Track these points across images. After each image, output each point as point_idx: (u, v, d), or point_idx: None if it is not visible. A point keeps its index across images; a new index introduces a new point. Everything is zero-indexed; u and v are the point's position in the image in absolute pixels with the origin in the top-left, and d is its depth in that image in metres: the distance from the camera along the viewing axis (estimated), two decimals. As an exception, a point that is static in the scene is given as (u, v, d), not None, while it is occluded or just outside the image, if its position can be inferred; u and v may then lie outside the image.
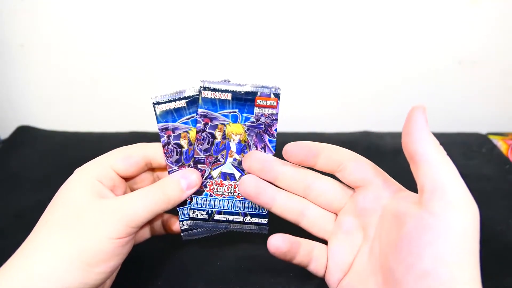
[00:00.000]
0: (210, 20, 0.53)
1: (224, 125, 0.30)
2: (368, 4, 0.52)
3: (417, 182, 0.23)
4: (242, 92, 0.29)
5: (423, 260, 0.21)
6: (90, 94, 0.58)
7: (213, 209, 0.30)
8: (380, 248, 0.25)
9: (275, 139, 0.30)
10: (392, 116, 0.57)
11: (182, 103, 0.30)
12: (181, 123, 0.30)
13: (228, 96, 0.29)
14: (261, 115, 0.30)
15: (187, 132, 0.30)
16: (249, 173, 0.30)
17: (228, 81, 0.30)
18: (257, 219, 0.31)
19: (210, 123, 0.30)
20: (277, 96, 0.29)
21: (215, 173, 0.30)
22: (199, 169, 0.30)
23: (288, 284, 0.34)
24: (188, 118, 0.30)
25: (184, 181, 0.29)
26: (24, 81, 0.57)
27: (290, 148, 0.28)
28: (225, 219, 0.31)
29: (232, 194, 0.30)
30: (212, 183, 0.30)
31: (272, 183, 0.29)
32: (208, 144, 0.30)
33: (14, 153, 0.53)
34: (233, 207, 0.30)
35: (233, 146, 0.30)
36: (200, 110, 0.30)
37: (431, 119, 0.24)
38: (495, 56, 0.56)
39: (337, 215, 0.30)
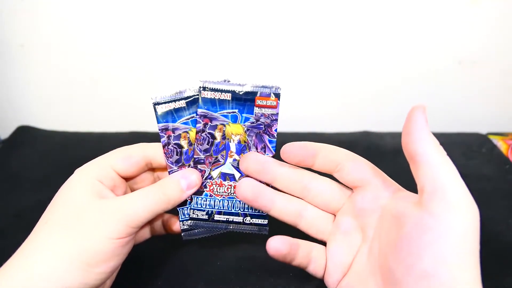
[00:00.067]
0: (210, 20, 0.53)
1: (224, 125, 0.30)
2: (368, 4, 0.52)
3: (417, 182, 0.23)
4: (242, 92, 0.29)
5: (423, 260, 0.21)
6: (90, 94, 0.58)
7: (213, 210, 0.30)
8: (380, 248, 0.25)
9: (275, 140, 0.30)
10: (392, 116, 0.57)
11: (182, 103, 0.30)
12: (181, 123, 0.30)
13: (228, 96, 0.29)
14: (261, 115, 0.30)
15: (187, 132, 0.30)
16: (247, 175, 0.29)
17: (228, 81, 0.30)
18: (257, 219, 0.31)
19: (209, 123, 0.30)
20: (277, 96, 0.29)
21: (215, 173, 0.30)
22: (199, 169, 0.30)
23: (288, 285, 0.34)
24: (188, 118, 0.30)
25: (184, 181, 0.29)
26: (24, 81, 0.57)
27: (288, 149, 0.28)
28: (225, 219, 0.31)
29: (232, 194, 0.30)
30: (212, 184, 0.30)
31: (269, 185, 0.29)
32: (207, 144, 0.30)
33: (14, 153, 0.53)
34: (233, 208, 0.30)
35: (232, 147, 0.30)
36: (199, 110, 0.30)
37: (431, 119, 0.24)
38: (495, 56, 0.56)
39: (335, 216, 0.29)
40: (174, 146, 0.30)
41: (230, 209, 0.30)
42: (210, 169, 0.30)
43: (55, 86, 0.58)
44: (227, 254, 0.37)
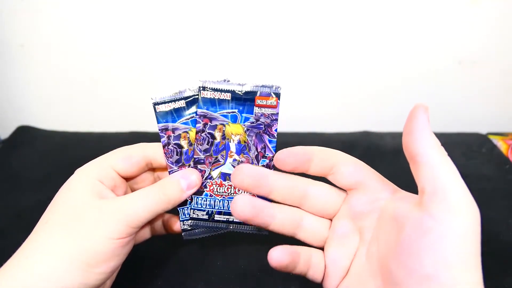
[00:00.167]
0: (210, 20, 0.53)
1: (224, 125, 0.30)
2: (368, 4, 0.52)
3: (417, 183, 0.23)
4: (242, 91, 0.29)
5: (424, 264, 0.21)
6: (90, 94, 0.58)
7: (213, 210, 0.30)
8: (378, 250, 0.25)
9: (275, 140, 0.30)
10: (392, 116, 0.57)
11: (182, 103, 0.30)
12: (181, 123, 0.30)
13: (228, 96, 0.29)
14: (261, 115, 0.30)
15: (187, 132, 0.30)
16: (239, 186, 0.28)
17: (228, 81, 0.30)
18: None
19: (209, 123, 0.30)
20: (278, 95, 0.29)
21: (215, 173, 0.30)
22: (199, 169, 0.30)
23: (288, 285, 0.34)
24: (188, 118, 0.30)
25: (184, 181, 0.29)
26: (24, 81, 0.57)
27: (281, 157, 0.27)
28: (225, 219, 0.31)
29: (232, 194, 0.30)
30: (212, 184, 0.30)
31: (266, 197, 0.28)
32: (207, 144, 0.30)
33: (14, 153, 0.53)
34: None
35: (232, 147, 0.30)
36: (199, 110, 0.30)
37: (431, 119, 0.24)
38: (495, 56, 0.56)
39: (331, 220, 0.29)
40: (174, 146, 0.30)
41: (230, 209, 0.30)
42: (210, 169, 0.30)
43: (55, 86, 0.58)
44: (227, 254, 0.37)
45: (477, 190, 0.23)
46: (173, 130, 0.30)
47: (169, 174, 0.30)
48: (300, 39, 0.54)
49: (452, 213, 0.21)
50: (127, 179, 0.31)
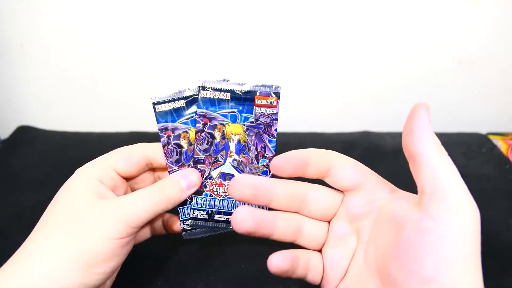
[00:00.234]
0: (209, 20, 0.53)
1: (223, 125, 0.30)
2: (368, 4, 0.52)
3: (417, 183, 0.23)
4: (241, 91, 0.29)
5: (424, 264, 0.21)
6: (90, 94, 0.58)
7: (213, 209, 0.30)
8: (376, 251, 0.25)
9: (275, 139, 0.30)
10: (392, 116, 0.57)
11: (182, 103, 0.30)
12: (181, 123, 0.30)
13: (227, 96, 0.29)
14: (261, 115, 0.30)
15: (186, 132, 0.30)
16: (238, 198, 0.27)
17: (227, 81, 0.30)
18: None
19: (209, 123, 0.30)
20: (277, 95, 0.29)
21: (214, 173, 0.30)
22: (199, 169, 0.30)
23: (288, 285, 0.34)
24: (188, 118, 0.30)
25: (184, 181, 0.29)
26: (24, 81, 0.57)
27: (278, 163, 0.27)
28: (225, 219, 0.31)
29: None
30: (212, 184, 0.30)
31: (265, 205, 0.28)
32: (207, 144, 0.30)
33: (14, 153, 0.53)
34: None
35: (232, 146, 0.30)
36: (199, 110, 0.30)
37: (431, 119, 0.23)
38: (495, 56, 0.56)
39: (329, 222, 0.29)
40: (174, 146, 0.30)
41: (230, 209, 0.30)
42: (210, 169, 0.30)
43: (55, 86, 0.58)
44: (227, 254, 0.37)
45: (477, 190, 0.23)
46: (173, 130, 0.30)
47: (169, 174, 0.30)
48: (300, 39, 0.54)
49: (452, 213, 0.21)
50: (127, 179, 0.31)
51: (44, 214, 0.27)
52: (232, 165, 0.30)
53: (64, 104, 0.59)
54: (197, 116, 0.30)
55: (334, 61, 0.56)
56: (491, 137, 0.57)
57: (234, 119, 0.30)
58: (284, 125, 0.44)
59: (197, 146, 0.30)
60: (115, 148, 0.30)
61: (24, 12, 0.52)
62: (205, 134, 0.30)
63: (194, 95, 0.30)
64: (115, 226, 0.26)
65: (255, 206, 0.29)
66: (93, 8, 0.52)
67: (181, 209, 0.31)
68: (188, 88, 0.30)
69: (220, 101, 0.29)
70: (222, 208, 0.30)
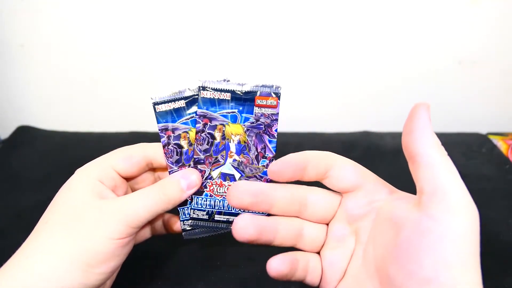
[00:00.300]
0: (210, 20, 0.53)
1: (223, 125, 0.30)
2: (368, 4, 0.52)
3: (416, 183, 0.23)
4: (242, 91, 0.29)
5: (423, 265, 0.21)
6: (90, 94, 0.58)
7: (213, 210, 0.30)
8: (375, 251, 0.25)
9: (276, 140, 0.30)
10: (392, 116, 0.57)
11: (182, 103, 0.30)
12: (181, 123, 0.30)
13: (227, 96, 0.29)
14: (261, 115, 0.30)
15: (187, 132, 0.30)
16: (237, 206, 0.27)
17: (228, 81, 0.30)
18: (257, 219, 0.31)
19: (209, 123, 0.30)
20: (278, 95, 0.29)
21: (215, 173, 0.30)
22: (199, 169, 0.30)
23: (288, 284, 0.34)
24: (188, 119, 0.30)
25: (184, 181, 0.29)
26: (24, 81, 0.57)
27: (276, 168, 0.27)
28: (225, 219, 0.31)
29: None
30: (212, 184, 0.30)
31: (265, 212, 0.28)
32: (207, 144, 0.30)
33: (14, 153, 0.53)
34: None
35: (232, 147, 0.30)
36: (199, 110, 0.30)
37: (431, 119, 0.23)
38: (495, 56, 0.56)
39: (328, 224, 0.29)
40: (174, 146, 0.30)
41: (230, 209, 0.30)
42: (210, 169, 0.30)
43: (55, 86, 0.58)
44: (227, 254, 0.37)
45: (477, 190, 0.23)
46: (173, 130, 0.30)
47: (169, 174, 0.30)
48: (300, 39, 0.54)
49: (452, 214, 0.21)
50: (128, 179, 0.31)
51: (44, 214, 0.27)
52: (232, 165, 0.30)
53: (64, 104, 0.59)
54: (197, 116, 0.30)
55: (334, 61, 0.56)
56: (491, 137, 0.57)
57: (234, 120, 0.30)
58: (284, 125, 0.44)
59: (197, 146, 0.30)
60: (115, 148, 0.30)
61: (24, 12, 0.52)
62: (205, 134, 0.30)
63: (194, 95, 0.30)
64: (115, 226, 0.26)
65: (254, 212, 0.29)
66: (93, 8, 0.52)
67: (181, 209, 0.31)
68: (188, 88, 0.30)
69: (221, 101, 0.29)
70: (222, 208, 0.30)
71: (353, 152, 0.53)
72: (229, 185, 0.30)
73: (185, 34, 0.53)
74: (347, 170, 0.27)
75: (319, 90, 0.58)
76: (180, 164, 0.30)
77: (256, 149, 0.30)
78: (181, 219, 0.31)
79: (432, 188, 0.22)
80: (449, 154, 0.23)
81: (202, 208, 0.30)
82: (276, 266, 0.26)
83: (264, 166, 0.30)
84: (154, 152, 0.30)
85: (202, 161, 0.30)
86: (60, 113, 0.60)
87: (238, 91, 0.29)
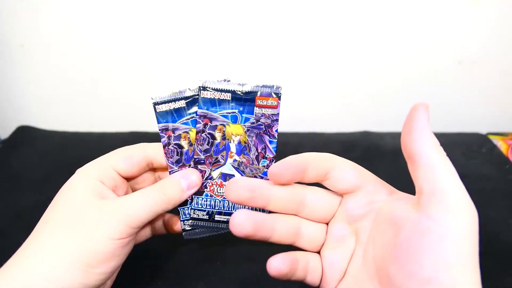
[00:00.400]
0: (210, 20, 0.53)
1: (224, 125, 0.30)
2: (368, 4, 0.52)
3: (415, 183, 0.23)
4: (242, 91, 0.29)
5: (423, 265, 0.21)
6: (90, 94, 0.58)
7: (213, 210, 0.30)
8: (375, 251, 0.25)
9: (276, 140, 0.30)
10: (392, 116, 0.57)
11: (182, 103, 0.30)
12: (181, 124, 0.30)
13: (228, 96, 0.29)
14: (261, 116, 0.30)
15: (187, 132, 0.30)
16: (234, 200, 0.27)
17: (228, 81, 0.30)
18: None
19: (209, 123, 0.30)
20: (278, 95, 0.29)
21: (215, 174, 0.30)
22: (199, 169, 0.30)
23: (288, 284, 0.34)
24: (188, 119, 0.30)
25: (185, 181, 0.29)
26: (24, 81, 0.57)
27: (276, 171, 0.27)
28: (225, 219, 0.31)
29: None
30: (212, 184, 0.30)
31: (263, 208, 0.28)
32: (207, 144, 0.30)
33: (14, 153, 0.53)
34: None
35: (233, 147, 0.30)
36: (199, 111, 0.30)
37: (431, 119, 0.23)
38: (495, 56, 0.56)
39: (327, 224, 0.29)
40: (175, 146, 0.30)
41: (230, 209, 0.30)
42: (211, 170, 0.30)
43: (55, 86, 0.58)
44: (227, 254, 0.37)
45: (477, 190, 0.23)
46: (173, 130, 0.30)
47: (170, 174, 0.30)
48: (300, 39, 0.54)
49: (451, 214, 0.21)
50: (128, 179, 0.31)
51: (44, 214, 0.27)
52: (232, 165, 0.30)
53: (64, 104, 0.59)
54: (197, 116, 0.30)
55: (334, 61, 0.56)
56: (491, 137, 0.57)
57: (234, 120, 0.30)
58: (284, 125, 0.44)
59: (197, 146, 0.30)
60: (115, 148, 0.30)
61: (24, 12, 0.52)
62: (205, 134, 0.30)
63: (194, 95, 0.30)
64: (115, 226, 0.26)
65: (253, 209, 0.29)
66: (93, 8, 0.52)
67: (181, 209, 0.31)
68: (189, 88, 0.30)
69: (221, 101, 0.29)
70: (222, 208, 0.30)
71: (353, 152, 0.53)
72: (226, 187, 0.30)
73: (185, 34, 0.53)
74: (347, 172, 0.27)
75: (319, 90, 0.58)
76: (181, 164, 0.30)
77: (257, 149, 0.30)
78: (181, 219, 0.31)
79: (431, 189, 0.22)
80: (449, 154, 0.23)
81: (202, 208, 0.30)
82: (277, 265, 0.26)
83: (264, 166, 0.30)
84: (154, 152, 0.30)
85: (203, 161, 0.30)
86: (60, 113, 0.60)
87: (239, 91, 0.29)
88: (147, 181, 0.32)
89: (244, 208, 0.29)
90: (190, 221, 0.31)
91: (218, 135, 0.30)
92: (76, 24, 0.53)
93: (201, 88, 0.29)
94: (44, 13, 0.52)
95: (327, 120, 0.60)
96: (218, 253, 0.37)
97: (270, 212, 0.28)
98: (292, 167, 0.26)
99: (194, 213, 0.30)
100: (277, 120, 0.30)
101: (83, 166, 0.29)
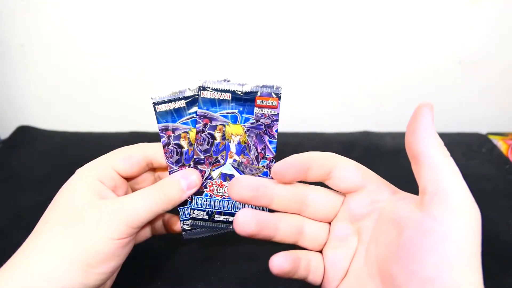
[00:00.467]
0: (210, 20, 0.53)
1: (224, 125, 0.30)
2: (368, 4, 0.52)
3: (419, 183, 0.23)
4: (242, 91, 0.29)
5: (425, 265, 0.21)
6: (90, 94, 0.58)
7: (213, 210, 0.30)
8: (377, 251, 0.25)
9: (276, 140, 0.30)
10: (392, 116, 0.57)
11: (182, 103, 0.30)
12: (181, 124, 0.30)
13: (228, 96, 0.29)
14: (261, 116, 0.30)
15: (187, 132, 0.30)
16: (238, 199, 0.27)
17: (228, 81, 0.30)
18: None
19: (209, 123, 0.30)
20: (278, 96, 0.29)
21: (215, 174, 0.30)
22: (199, 169, 0.30)
23: (288, 285, 0.34)
24: (188, 119, 0.30)
25: (184, 181, 0.29)
26: (24, 81, 0.57)
27: (279, 169, 0.27)
28: (225, 219, 0.31)
29: None
30: (212, 184, 0.30)
31: (266, 207, 0.28)
32: (207, 144, 0.30)
33: (14, 153, 0.53)
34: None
35: (233, 147, 0.30)
36: (199, 111, 0.30)
37: (432, 119, 0.23)
38: (495, 56, 0.56)
39: (330, 223, 0.29)
40: (174, 146, 0.30)
41: (230, 209, 0.30)
42: (210, 170, 0.30)
43: (55, 86, 0.58)
44: (227, 254, 0.37)
45: (477, 190, 0.23)
46: (173, 130, 0.30)
47: (169, 174, 0.30)
48: (300, 39, 0.54)
49: (454, 214, 0.21)
50: (128, 179, 0.31)
51: (44, 214, 0.27)
52: (232, 165, 0.30)
53: (64, 104, 0.59)
54: (197, 116, 0.30)
55: (334, 61, 0.56)
56: (491, 137, 0.57)
57: (234, 120, 0.30)
58: (284, 125, 0.44)
59: (197, 146, 0.30)
60: (115, 148, 0.30)
61: (24, 12, 0.52)
62: (205, 134, 0.30)
63: (194, 95, 0.30)
64: (115, 227, 0.26)
65: (255, 208, 0.29)
66: (93, 8, 0.52)
67: (181, 209, 0.31)
68: (189, 88, 0.30)
69: (221, 101, 0.29)
70: (222, 208, 0.30)
71: (353, 152, 0.53)
72: (229, 186, 0.30)
73: (185, 34, 0.53)
74: (350, 171, 0.27)
75: (319, 90, 0.58)
76: (180, 164, 0.30)
77: (256, 149, 0.30)
78: (181, 219, 0.31)
79: (434, 189, 0.22)
80: (449, 155, 0.23)
81: (202, 208, 0.30)
82: (279, 263, 0.26)
83: (264, 166, 0.30)
84: (154, 152, 0.30)
85: (202, 161, 0.30)
86: (60, 113, 0.60)
87: (239, 91, 0.29)
88: (147, 181, 0.32)
89: (248, 207, 0.29)
90: (190, 221, 0.31)
91: (218, 135, 0.30)
92: (76, 24, 0.53)
93: (201, 88, 0.29)
94: (44, 13, 0.52)
95: (327, 120, 0.60)
96: (218, 253, 0.37)
97: (271, 211, 0.28)
98: (296, 166, 0.27)
99: (193, 213, 0.30)
100: (277, 120, 0.30)
101: (83, 166, 0.29)
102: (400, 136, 0.54)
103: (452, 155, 0.23)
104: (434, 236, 0.21)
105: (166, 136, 0.30)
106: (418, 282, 0.21)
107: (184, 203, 0.30)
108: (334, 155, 0.28)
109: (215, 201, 0.30)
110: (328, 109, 0.60)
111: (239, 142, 0.30)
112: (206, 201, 0.30)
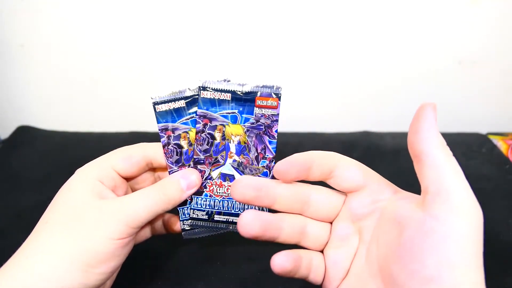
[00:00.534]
0: (210, 20, 0.53)
1: (224, 125, 0.30)
2: (368, 4, 0.52)
3: (421, 182, 0.23)
4: (242, 92, 0.29)
5: (426, 265, 0.21)
6: (90, 94, 0.58)
7: (213, 210, 0.30)
8: (378, 250, 0.25)
9: (276, 140, 0.30)
10: (392, 116, 0.57)
11: (182, 103, 0.30)
12: (181, 124, 0.30)
13: (228, 96, 0.29)
14: (261, 116, 0.30)
15: (187, 132, 0.30)
16: (240, 199, 0.27)
17: (228, 81, 0.30)
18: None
19: (209, 123, 0.30)
20: (278, 96, 0.29)
21: (214, 174, 0.30)
22: (199, 169, 0.30)
23: (288, 285, 0.34)
24: (188, 119, 0.30)
25: (184, 181, 0.29)
26: (24, 81, 0.57)
27: (281, 168, 0.27)
28: (225, 219, 0.31)
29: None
30: (211, 184, 0.30)
31: (268, 208, 0.28)
32: (207, 145, 0.30)
33: (14, 153, 0.53)
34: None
35: (232, 147, 0.30)
36: (199, 111, 0.30)
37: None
38: (495, 56, 0.56)
39: (331, 223, 0.29)
40: (174, 146, 0.30)
41: (229, 209, 0.30)
42: (210, 170, 0.30)
43: (55, 86, 0.58)
44: (227, 254, 0.37)
45: (477, 190, 0.23)
46: (173, 130, 0.30)
47: (169, 174, 0.30)
48: (300, 39, 0.54)
49: (455, 214, 0.21)
50: (128, 179, 0.31)
51: (44, 214, 0.27)
52: (232, 166, 0.30)
53: (64, 104, 0.59)
54: (197, 116, 0.30)
55: (334, 61, 0.56)
56: (491, 137, 0.57)
57: (234, 120, 0.30)
58: (284, 125, 0.44)
59: (197, 146, 0.30)
60: (115, 148, 0.30)
61: (24, 12, 0.52)
62: (205, 134, 0.30)
63: (194, 95, 0.30)
64: (115, 227, 0.26)
65: (256, 208, 0.29)
66: (93, 8, 0.52)
67: (181, 209, 0.31)
68: (189, 88, 0.30)
69: (221, 101, 0.29)
70: (222, 208, 0.30)
71: (353, 152, 0.53)
72: (229, 186, 0.30)
73: (185, 34, 0.53)
74: (351, 170, 0.27)
75: (319, 90, 0.58)
76: (180, 164, 0.30)
77: (256, 149, 0.30)
78: (180, 219, 0.31)
79: (436, 188, 0.22)
80: (449, 154, 0.23)
81: (201, 208, 0.30)
82: (280, 262, 0.26)
83: (264, 166, 0.30)
84: (154, 152, 0.30)
85: (202, 161, 0.30)
86: (60, 113, 0.60)
87: (239, 91, 0.29)
88: (147, 181, 0.32)
89: (253, 208, 0.29)
90: (190, 221, 0.31)
91: (217, 135, 0.30)
92: (76, 24, 0.53)
93: (201, 88, 0.29)
94: (44, 13, 0.52)
95: (327, 120, 0.60)
96: (218, 253, 0.37)
97: (272, 211, 0.28)
98: (297, 165, 0.26)
99: (193, 213, 0.30)
100: (277, 120, 0.30)
101: (83, 166, 0.29)
102: (400, 136, 0.54)
103: (452, 155, 0.23)
104: (436, 235, 0.21)
105: (166, 136, 0.30)
106: (419, 282, 0.21)
107: (184, 203, 0.30)
108: (336, 154, 0.28)
109: (214, 201, 0.30)
110: (328, 109, 0.60)
111: (239, 142, 0.30)
112: (206, 201, 0.30)
